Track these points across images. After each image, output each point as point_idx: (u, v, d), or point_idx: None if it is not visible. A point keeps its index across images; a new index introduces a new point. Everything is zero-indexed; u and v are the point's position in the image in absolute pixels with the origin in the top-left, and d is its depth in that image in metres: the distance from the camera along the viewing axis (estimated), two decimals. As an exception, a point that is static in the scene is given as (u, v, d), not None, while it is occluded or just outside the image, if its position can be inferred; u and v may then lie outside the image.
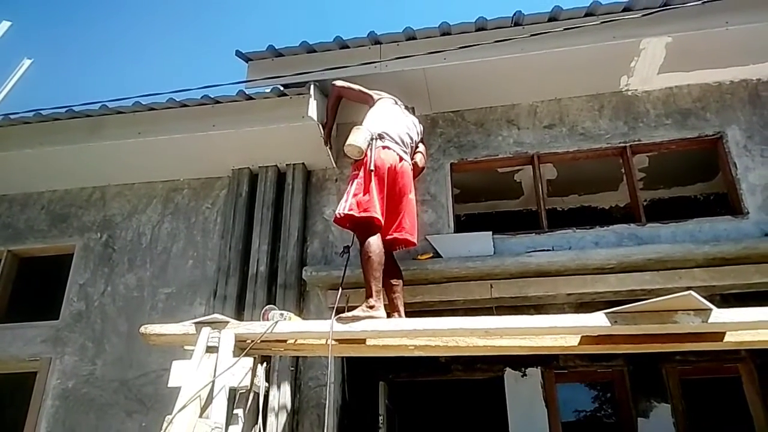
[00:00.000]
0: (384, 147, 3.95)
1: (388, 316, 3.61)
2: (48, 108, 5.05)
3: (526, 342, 3.13)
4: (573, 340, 3.10)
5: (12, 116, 5.17)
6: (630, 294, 4.22)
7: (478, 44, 4.48)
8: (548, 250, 4.37)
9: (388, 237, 3.89)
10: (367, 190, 3.74)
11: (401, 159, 4.01)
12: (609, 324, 2.86)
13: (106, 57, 21.28)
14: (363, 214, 3.67)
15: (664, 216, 4.69)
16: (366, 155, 3.86)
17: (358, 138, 3.90)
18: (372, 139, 3.94)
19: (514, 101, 5.19)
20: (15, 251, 5.56)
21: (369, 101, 4.37)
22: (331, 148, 5.00)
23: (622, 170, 5.20)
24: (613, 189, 6.49)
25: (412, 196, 4.03)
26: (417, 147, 4.41)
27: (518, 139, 5.07)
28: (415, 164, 4.28)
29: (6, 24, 7.84)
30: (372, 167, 3.80)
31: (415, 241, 4.00)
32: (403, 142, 4.13)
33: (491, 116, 5.21)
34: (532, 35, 4.42)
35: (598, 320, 2.88)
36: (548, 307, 4.96)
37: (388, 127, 4.09)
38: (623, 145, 4.90)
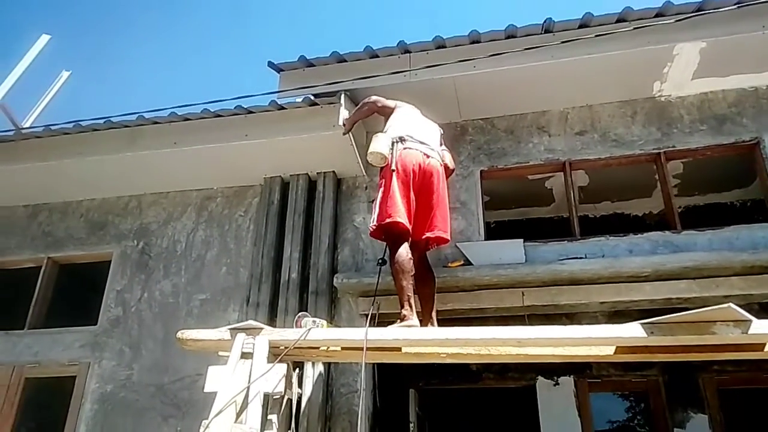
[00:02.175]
0: (406, 148, 3.95)
1: (421, 323, 3.64)
2: (87, 119, 5.21)
3: (559, 351, 3.11)
4: (608, 350, 3.07)
5: (53, 127, 5.33)
6: (666, 302, 4.17)
7: (508, 52, 4.47)
8: (581, 258, 4.32)
9: (422, 237, 3.91)
10: (389, 195, 3.76)
11: (428, 156, 3.99)
12: (645, 335, 2.82)
13: (142, 68, 21.79)
14: (387, 221, 3.70)
15: (700, 223, 4.61)
16: (389, 161, 3.90)
17: (378, 145, 3.93)
18: (394, 143, 3.97)
19: (544, 108, 5.17)
20: (55, 258, 5.72)
21: (391, 113, 4.37)
22: (359, 154, 5.03)
23: (656, 177, 5.14)
24: (646, 196, 6.40)
25: (443, 192, 4.01)
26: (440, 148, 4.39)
27: (549, 146, 5.04)
28: (445, 166, 4.27)
29: (45, 38, 8.08)
30: (394, 168, 3.82)
31: (448, 237, 3.99)
32: (428, 141, 4.12)
33: (521, 123, 5.19)
34: (562, 42, 4.40)
35: (634, 331, 2.84)
36: (581, 316, 4.91)
37: (410, 129, 4.10)
38: (657, 151, 4.83)
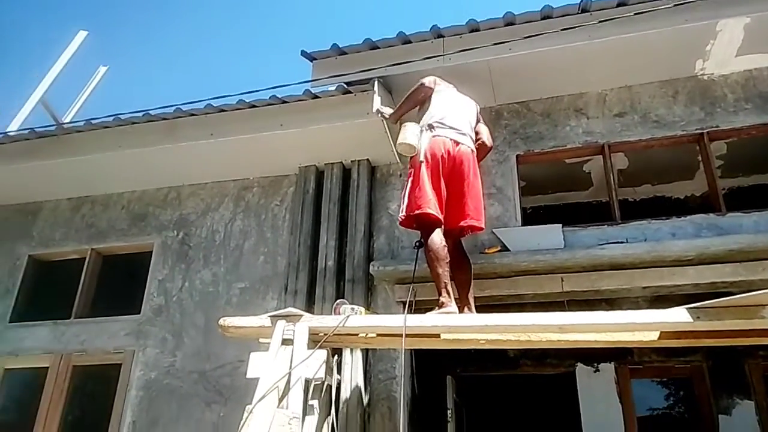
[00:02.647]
0: (435, 136, 3.92)
1: (459, 309, 3.63)
2: (126, 112, 5.30)
3: (601, 336, 3.06)
4: (652, 335, 3.01)
5: (93, 121, 5.45)
6: (710, 287, 4.06)
7: (544, 33, 4.39)
8: (622, 243, 4.24)
9: (454, 226, 3.89)
10: (418, 186, 3.75)
11: (457, 143, 3.93)
12: (691, 320, 2.75)
13: (177, 61, 22.11)
14: (417, 212, 3.71)
15: (745, 205, 4.47)
16: (418, 150, 3.88)
17: (407, 135, 3.92)
18: (422, 131, 3.95)
19: (582, 90, 5.06)
20: (98, 249, 5.86)
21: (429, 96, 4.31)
22: (393, 142, 4.99)
23: (699, 158, 5.00)
24: (688, 178, 6.23)
25: (474, 179, 3.95)
26: (477, 126, 4.30)
27: (587, 128, 4.94)
28: (482, 143, 4.23)
29: (82, 34, 8.26)
30: (422, 159, 3.81)
31: (482, 225, 3.95)
32: (460, 126, 4.04)
33: (558, 106, 5.10)
34: (600, 22, 4.29)
35: (679, 316, 2.78)
36: (621, 301, 4.83)
37: (442, 114, 4.03)
38: (700, 131, 4.70)
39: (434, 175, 3.80)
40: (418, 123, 4.09)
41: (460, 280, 3.87)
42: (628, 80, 4.97)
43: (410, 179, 3.85)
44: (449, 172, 3.86)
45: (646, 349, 5.69)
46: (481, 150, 4.23)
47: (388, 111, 4.58)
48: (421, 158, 3.83)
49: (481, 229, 3.99)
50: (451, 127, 3.99)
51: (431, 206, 3.70)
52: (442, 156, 3.84)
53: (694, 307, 2.80)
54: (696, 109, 4.78)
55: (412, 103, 4.38)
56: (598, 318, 2.89)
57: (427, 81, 4.29)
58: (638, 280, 4.13)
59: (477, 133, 4.26)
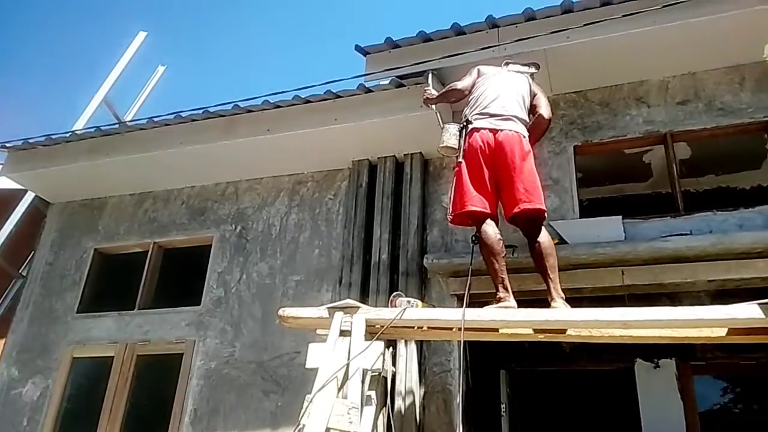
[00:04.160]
0: (472, 131, 3.90)
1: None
2: (186, 110, 5.44)
3: (666, 332, 2.98)
4: (720, 331, 2.92)
5: (155, 119, 5.62)
6: (780, 281, 3.88)
7: (604, 20, 4.25)
8: (686, 234, 4.10)
9: (511, 214, 3.79)
10: (459, 185, 3.78)
11: (496, 131, 3.84)
12: (763, 316, 2.65)
13: (233, 58, 22.56)
14: (459, 212, 3.75)
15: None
16: (458, 150, 3.90)
17: (445, 138, 3.97)
18: (461, 129, 3.96)
19: (642, 77, 4.89)
20: (160, 243, 6.05)
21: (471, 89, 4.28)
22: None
23: (767, 146, 4.77)
24: (755, 167, 5.96)
25: (521, 162, 3.76)
26: (533, 100, 4.19)
27: (648, 117, 4.78)
28: (539, 117, 4.12)
29: (142, 34, 8.55)
30: (461, 159, 3.84)
31: (535, 205, 3.71)
32: (503, 110, 3.93)
33: (617, 95, 4.95)
34: (664, 6, 4.11)
35: (750, 312, 2.69)
36: (683, 295, 4.67)
37: (484, 103, 4.00)
38: (768, 119, 4.48)
39: (475, 170, 3.79)
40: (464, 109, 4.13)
41: (538, 266, 3.71)
42: (691, 67, 4.78)
43: (454, 179, 3.88)
44: (492, 162, 3.80)
45: (709, 345, 5.48)
46: (540, 123, 4.12)
47: (433, 93, 4.48)
48: (460, 158, 3.86)
49: (539, 210, 3.74)
50: (491, 115, 3.94)
51: (474, 202, 3.71)
52: (480, 148, 3.82)
53: (765, 303, 2.69)
54: (764, 96, 4.54)
55: (446, 99, 4.46)
56: (665, 314, 2.81)
57: (458, 84, 4.27)
58: (703, 273, 3.98)
59: (534, 107, 4.17)
